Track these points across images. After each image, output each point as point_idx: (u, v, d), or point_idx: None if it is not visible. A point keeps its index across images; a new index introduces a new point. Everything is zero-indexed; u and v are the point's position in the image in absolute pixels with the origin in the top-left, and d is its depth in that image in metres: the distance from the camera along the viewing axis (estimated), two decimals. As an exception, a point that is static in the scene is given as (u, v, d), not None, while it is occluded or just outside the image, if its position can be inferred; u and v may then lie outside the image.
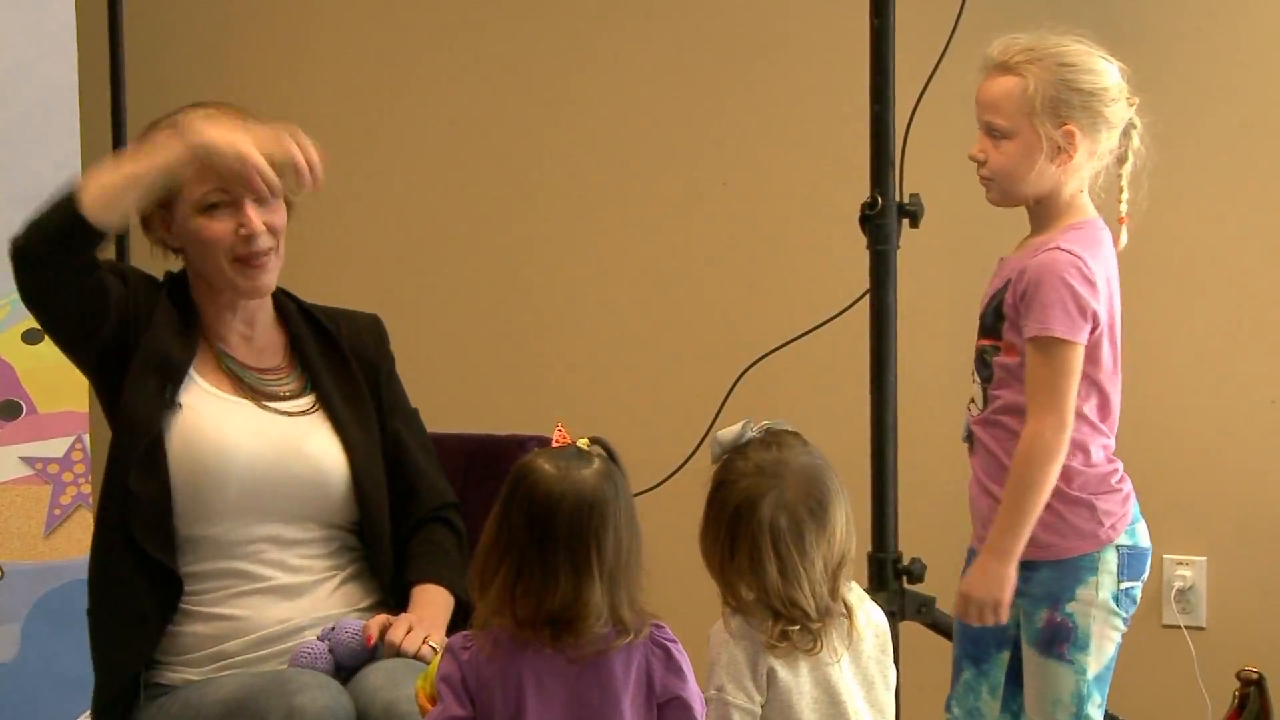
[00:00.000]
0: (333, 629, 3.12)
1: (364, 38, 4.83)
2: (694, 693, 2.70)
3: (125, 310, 3.18)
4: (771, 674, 2.71)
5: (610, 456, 2.66)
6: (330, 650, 3.10)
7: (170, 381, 3.18)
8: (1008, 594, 3.15)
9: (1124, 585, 3.21)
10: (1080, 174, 3.20)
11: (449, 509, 3.35)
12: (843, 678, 2.75)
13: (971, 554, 3.27)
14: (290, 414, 3.25)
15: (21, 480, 4.31)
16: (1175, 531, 4.22)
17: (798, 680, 2.72)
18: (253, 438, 3.18)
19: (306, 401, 3.28)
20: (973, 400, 3.26)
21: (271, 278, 3.24)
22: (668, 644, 2.69)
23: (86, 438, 4.33)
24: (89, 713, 3.25)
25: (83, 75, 4.37)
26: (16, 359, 4.30)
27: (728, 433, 2.77)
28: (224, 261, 3.20)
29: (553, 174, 4.71)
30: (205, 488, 3.15)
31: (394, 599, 3.25)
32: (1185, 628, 4.25)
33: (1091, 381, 3.19)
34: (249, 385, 3.25)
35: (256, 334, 3.29)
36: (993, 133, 3.19)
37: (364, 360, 3.35)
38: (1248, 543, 4.26)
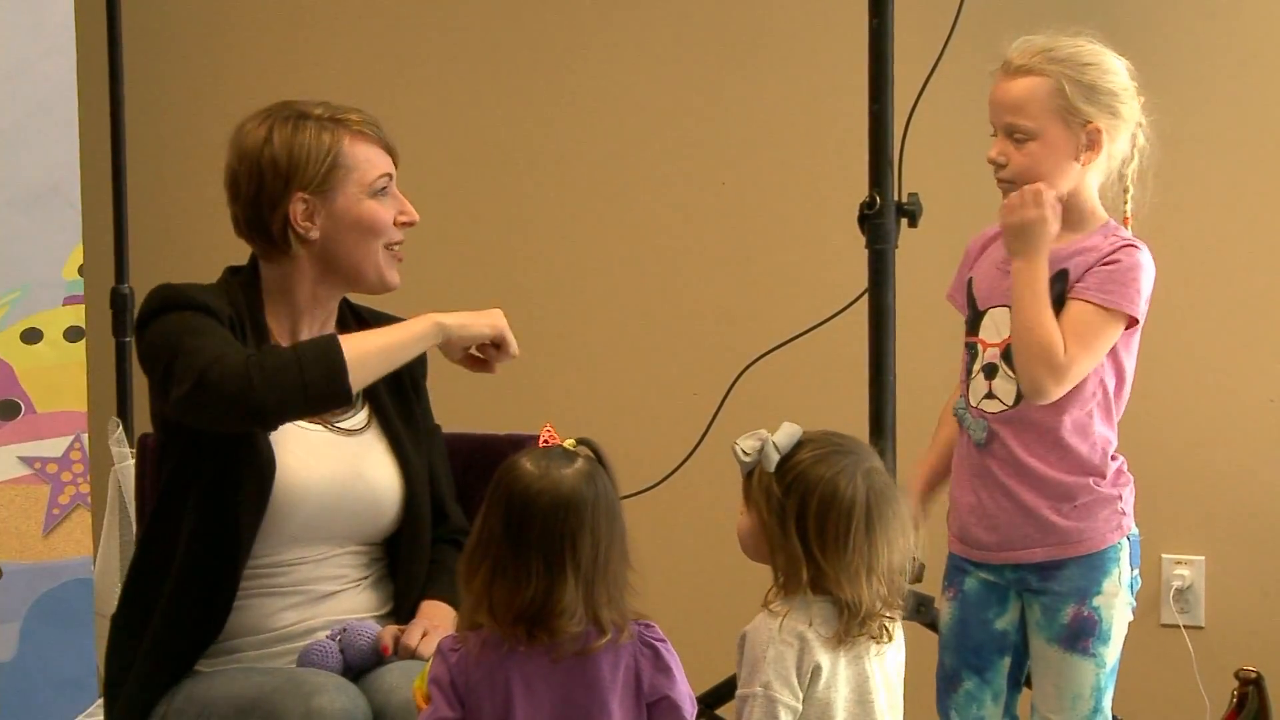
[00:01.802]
0: (344, 630, 3.12)
1: (362, 38, 4.83)
2: (682, 693, 2.70)
3: None
4: (815, 672, 2.71)
5: (597, 457, 2.67)
6: (341, 651, 3.09)
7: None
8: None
9: (1134, 573, 3.23)
10: (1095, 172, 3.22)
11: (461, 534, 3.31)
12: (874, 677, 2.76)
13: (957, 564, 3.29)
14: (350, 431, 3.21)
15: (20, 480, 4.31)
16: (1174, 531, 4.25)
17: (836, 680, 2.73)
18: (319, 463, 3.14)
19: (363, 417, 3.24)
20: (988, 397, 3.25)
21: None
22: (656, 644, 2.68)
23: (85, 437, 4.33)
24: (89, 713, 3.24)
25: (81, 74, 4.37)
26: (15, 358, 4.30)
27: (784, 436, 2.76)
28: (380, 248, 3.20)
29: (551, 173, 4.71)
30: (275, 514, 3.11)
31: (405, 612, 3.23)
32: (1184, 627, 4.25)
33: (1125, 373, 3.22)
34: None
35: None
36: (1015, 134, 3.20)
37: (409, 370, 3.31)
38: (1246, 542, 4.26)
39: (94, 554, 4.27)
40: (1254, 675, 3.97)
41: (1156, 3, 4.24)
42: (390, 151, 3.24)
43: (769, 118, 4.53)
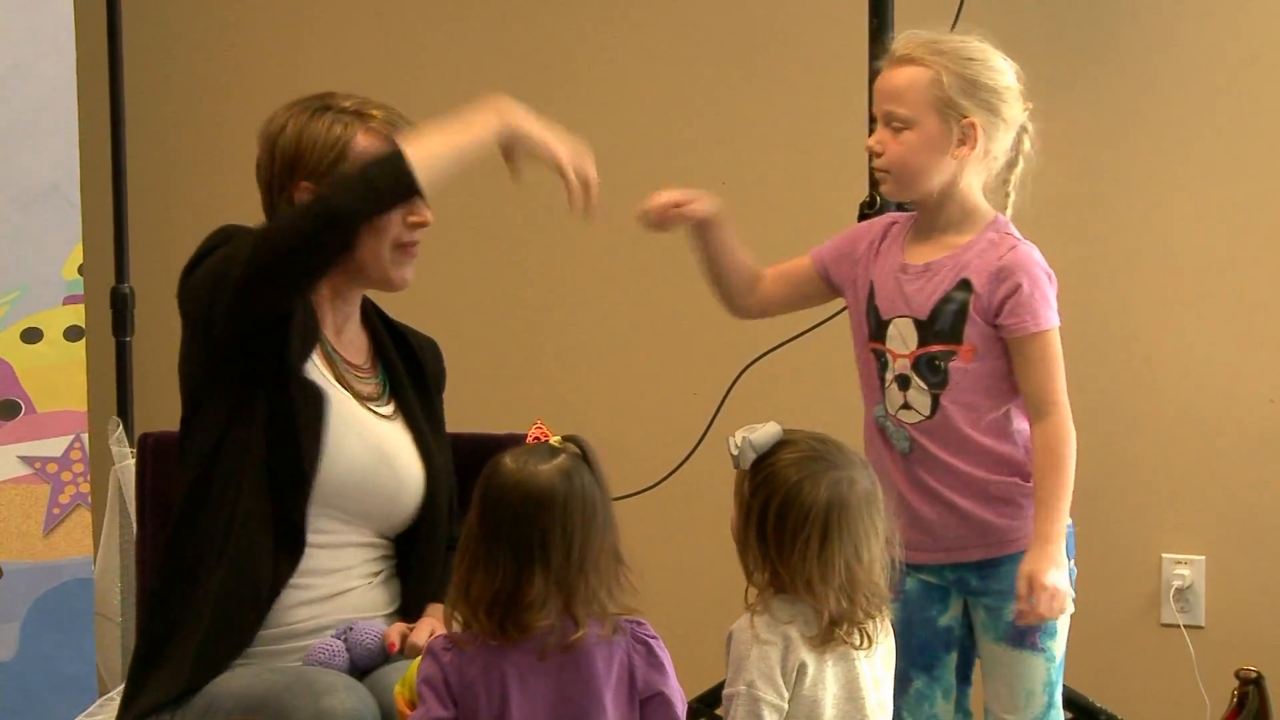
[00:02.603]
0: (350, 629, 3.11)
1: (364, 38, 4.82)
2: (675, 689, 2.71)
3: None
4: (801, 670, 2.71)
5: (584, 454, 2.68)
6: (348, 650, 3.09)
7: (303, 353, 3.12)
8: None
9: (1071, 564, 3.19)
10: (972, 170, 3.20)
11: None
12: (864, 675, 2.77)
13: (910, 569, 3.18)
14: (383, 416, 3.21)
15: (20, 479, 4.30)
16: (1174, 530, 4.25)
17: (823, 677, 2.73)
18: (356, 438, 3.14)
19: (390, 407, 3.24)
20: (904, 408, 3.21)
21: (413, 271, 3.22)
22: (649, 640, 2.70)
23: (85, 437, 4.32)
24: (89, 712, 3.28)
25: (81, 74, 4.36)
26: (15, 358, 4.29)
27: (762, 436, 2.76)
28: (386, 247, 3.15)
29: (550, 173, 4.67)
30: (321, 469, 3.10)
31: (411, 612, 3.23)
32: (1184, 627, 4.24)
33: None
34: (345, 377, 3.19)
35: (348, 330, 3.25)
36: (892, 123, 3.19)
37: (431, 374, 3.33)
38: (1247, 542, 4.25)
39: (94, 554, 4.27)
40: (1254, 675, 3.95)
41: (1156, 2, 4.24)
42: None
43: (769, 118, 4.53)
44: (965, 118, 3.15)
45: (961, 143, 3.17)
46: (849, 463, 2.77)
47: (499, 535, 2.63)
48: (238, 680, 3.02)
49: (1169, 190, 4.24)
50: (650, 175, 4.56)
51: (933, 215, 3.23)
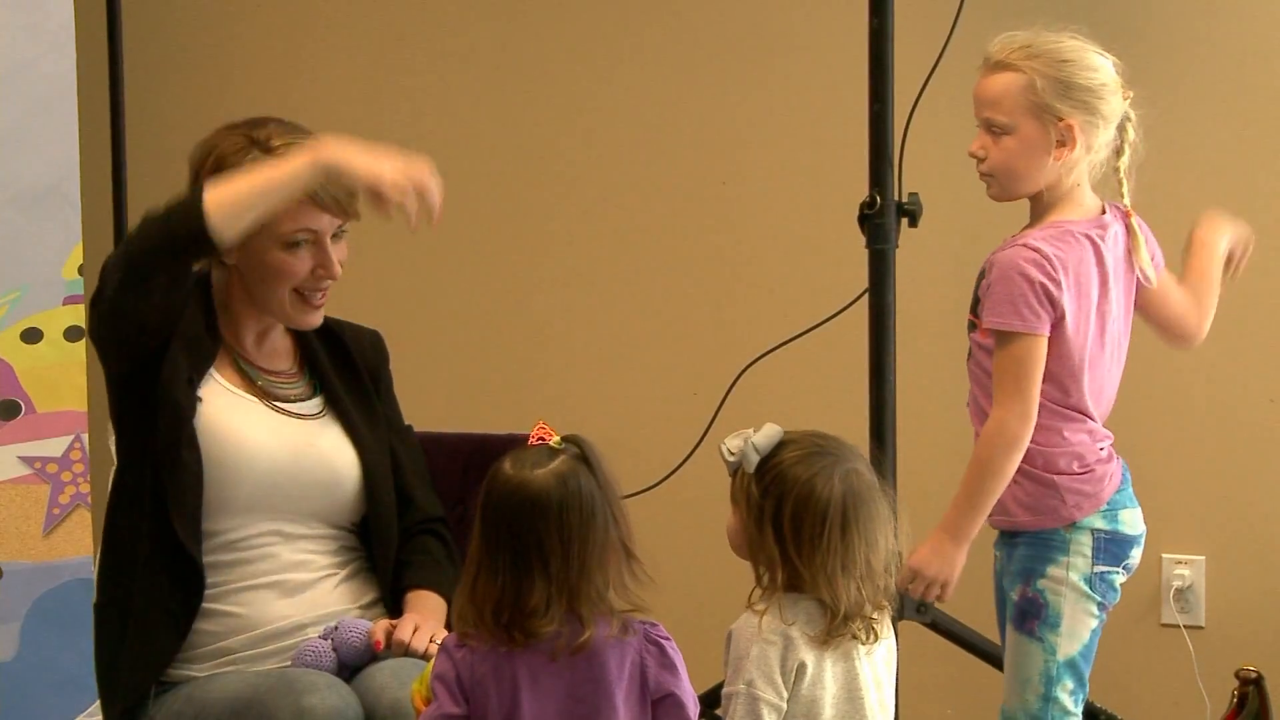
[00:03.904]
0: (336, 628, 3.12)
1: (363, 37, 4.82)
2: (687, 691, 2.71)
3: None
4: (800, 670, 2.72)
5: (584, 455, 2.68)
6: (334, 649, 3.10)
7: (195, 373, 3.15)
8: (956, 574, 3.24)
9: (1099, 569, 3.25)
10: (1078, 169, 3.25)
11: (438, 522, 3.36)
12: (864, 675, 2.77)
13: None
14: (302, 416, 3.25)
15: (20, 480, 4.31)
16: (1174, 530, 4.23)
17: (823, 677, 2.74)
18: (269, 435, 3.18)
19: (315, 404, 3.28)
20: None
21: (322, 314, 3.24)
22: (661, 641, 2.69)
23: (85, 437, 4.34)
24: (89, 712, 3.25)
25: (81, 74, 4.36)
26: (15, 358, 4.30)
27: (764, 438, 2.77)
28: (286, 294, 3.18)
29: (551, 173, 4.70)
30: (224, 482, 3.14)
31: (389, 604, 3.26)
32: (1184, 627, 4.25)
33: (1048, 371, 3.23)
34: (260, 387, 3.24)
35: (270, 338, 3.28)
36: (992, 129, 3.24)
37: (368, 368, 3.36)
38: (1247, 542, 4.25)
39: (94, 554, 4.22)
40: (1254, 675, 3.95)
41: (1156, 0, 4.24)
42: (331, 209, 3.15)
43: (769, 118, 4.53)
44: (1062, 120, 3.20)
45: (1060, 144, 3.21)
46: (852, 455, 2.79)
47: (499, 543, 2.64)
48: (224, 685, 3.06)
49: (1167, 189, 4.19)
50: (650, 174, 4.62)
51: (1041, 214, 3.28)
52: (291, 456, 3.18)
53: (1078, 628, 3.24)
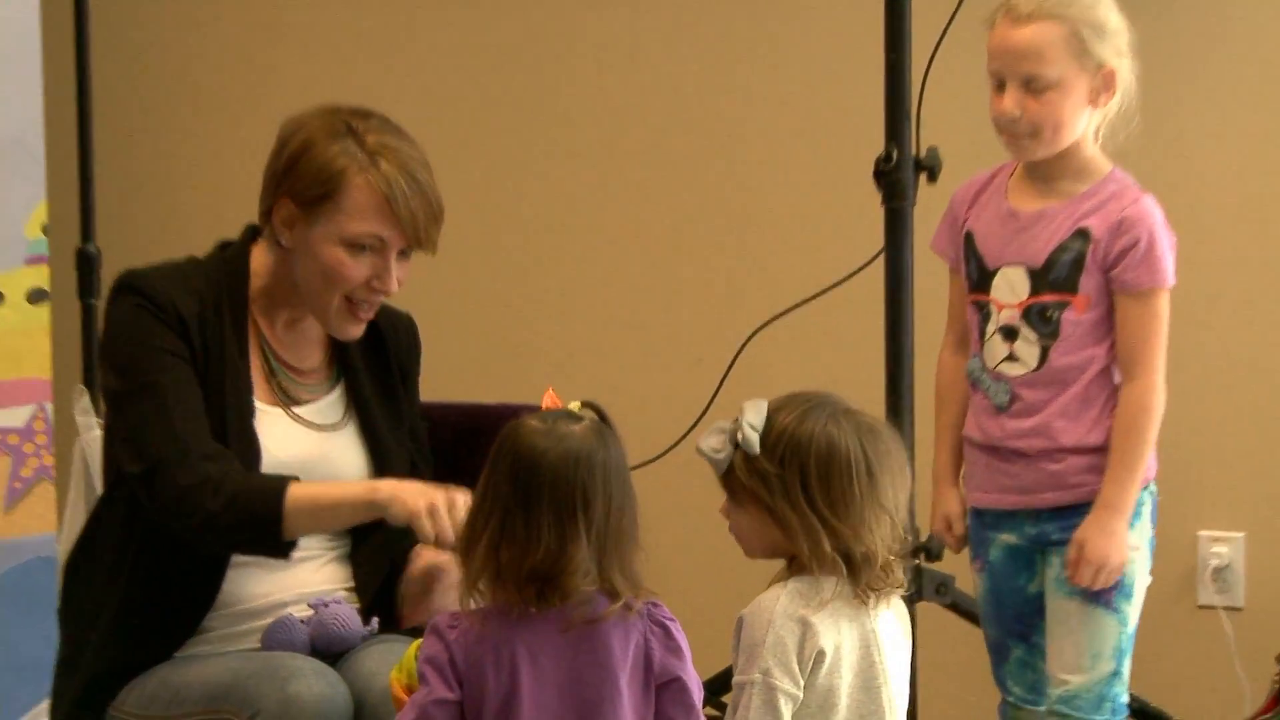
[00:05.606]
0: (325, 605, 3.10)
1: (355, 29, 4.84)
2: (692, 675, 2.68)
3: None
4: (819, 658, 2.67)
5: (602, 419, 2.67)
6: (312, 628, 3.07)
7: (236, 399, 3.13)
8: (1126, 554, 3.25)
9: (1152, 532, 3.28)
10: (1098, 117, 3.28)
11: None
12: (881, 663, 2.72)
13: (980, 535, 3.34)
14: (320, 426, 3.20)
15: (-22, 451, 4.39)
16: (1211, 506, 4.25)
17: (840, 665, 2.69)
18: (279, 448, 3.14)
19: (337, 408, 3.23)
20: (1009, 360, 3.28)
21: (364, 328, 3.19)
22: (666, 622, 2.67)
23: (49, 407, 4.35)
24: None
25: (45, 22, 4.46)
26: (-27, 324, 4.35)
27: (756, 415, 2.71)
28: (336, 298, 3.12)
29: (555, 132, 4.72)
30: None
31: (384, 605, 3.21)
32: (1222, 608, 4.24)
33: None
34: (280, 385, 3.19)
35: (301, 326, 3.23)
36: (1032, 84, 3.20)
37: (399, 360, 3.32)
38: (1289, 518, 4.23)
39: (58, 530, 4.22)
40: (1295, 660, 3.90)
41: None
42: (405, 225, 3.10)
43: (780, 69, 4.54)
44: (1103, 65, 3.22)
45: (1104, 89, 3.23)
46: (836, 398, 2.75)
47: (538, 500, 2.59)
48: (203, 668, 3.04)
49: (1214, 158, 4.29)
50: (657, 130, 4.86)
51: (1050, 165, 3.28)
52: (299, 469, 3.11)
53: (1141, 595, 3.26)
